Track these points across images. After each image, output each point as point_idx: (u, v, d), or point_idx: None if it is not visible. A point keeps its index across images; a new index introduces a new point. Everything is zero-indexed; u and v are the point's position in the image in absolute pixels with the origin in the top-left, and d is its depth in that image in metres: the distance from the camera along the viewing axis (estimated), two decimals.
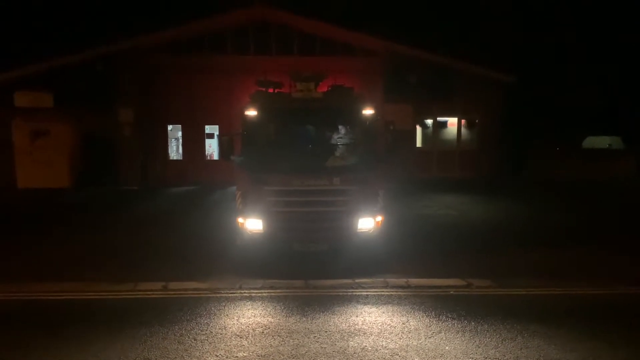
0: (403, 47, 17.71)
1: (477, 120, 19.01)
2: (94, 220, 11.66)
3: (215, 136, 18.56)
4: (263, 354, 4.90)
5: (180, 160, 18.53)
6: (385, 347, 5.07)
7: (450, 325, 5.67)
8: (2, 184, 15.72)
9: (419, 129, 19.19)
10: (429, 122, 19.18)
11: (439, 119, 19.12)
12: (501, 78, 18.40)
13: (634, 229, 11.04)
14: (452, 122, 19.22)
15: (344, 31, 17.66)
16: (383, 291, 6.88)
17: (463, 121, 19.11)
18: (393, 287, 7.04)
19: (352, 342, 5.18)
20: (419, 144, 19.26)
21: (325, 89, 8.58)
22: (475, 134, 19.11)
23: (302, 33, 17.70)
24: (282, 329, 5.53)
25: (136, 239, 9.76)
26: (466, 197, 15.21)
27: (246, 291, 6.84)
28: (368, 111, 8.08)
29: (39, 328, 5.53)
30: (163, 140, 18.20)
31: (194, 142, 18.19)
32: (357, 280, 7.20)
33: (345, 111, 8.22)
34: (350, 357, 4.84)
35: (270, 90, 8.65)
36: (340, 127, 8.36)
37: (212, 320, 5.80)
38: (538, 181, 18.75)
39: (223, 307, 6.23)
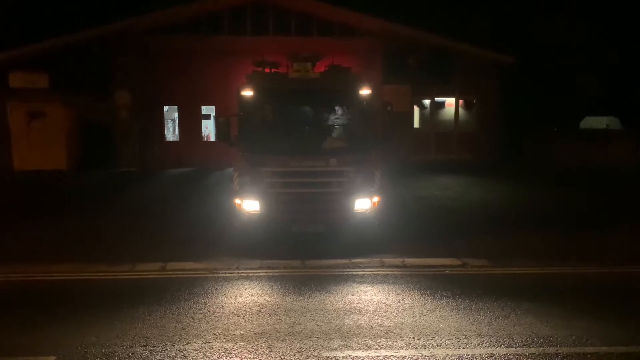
0: (401, 28, 17.55)
1: (475, 101, 18.93)
2: (91, 202, 11.68)
3: (212, 117, 18.48)
4: (260, 332, 4.97)
5: (177, 141, 18.48)
6: (381, 324, 5.15)
7: (445, 303, 5.74)
8: (0, 166, 15.70)
9: (416, 110, 19.12)
10: (427, 102, 19.10)
11: (436, 99, 19.03)
12: (499, 59, 18.28)
13: (629, 210, 11.11)
14: (449, 102, 19.13)
15: (341, 11, 17.47)
16: (379, 270, 6.95)
17: (461, 101, 19.03)
18: (389, 266, 7.11)
19: (347, 320, 5.25)
20: (416, 125, 19.20)
21: (322, 69, 8.53)
22: (474, 115, 19.05)
23: (299, 13, 17.51)
24: (279, 308, 5.60)
25: (134, 220, 9.79)
26: (463, 178, 15.24)
27: (243, 271, 6.91)
28: (365, 91, 8.04)
29: (38, 308, 5.59)
30: (159, 122, 18.13)
31: (190, 123, 18.12)
32: (353, 260, 7.27)
33: (343, 92, 8.17)
34: (346, 334, 4.92)
35: (267, 70, 8.58)
36: (337, 107, 8.34)
37: (210, 299, 5.86)
38: (536, 162, 18.76)
39: (221, 287, 6.29)
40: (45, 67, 16.19)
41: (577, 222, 9.92)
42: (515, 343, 4.75)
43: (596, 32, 25.18)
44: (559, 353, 4.56)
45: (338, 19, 17.58)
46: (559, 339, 4.83)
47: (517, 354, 4.53)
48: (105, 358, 4.45)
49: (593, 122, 23.52)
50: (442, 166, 17.27)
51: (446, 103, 19.22)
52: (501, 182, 14.72)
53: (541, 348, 4.66)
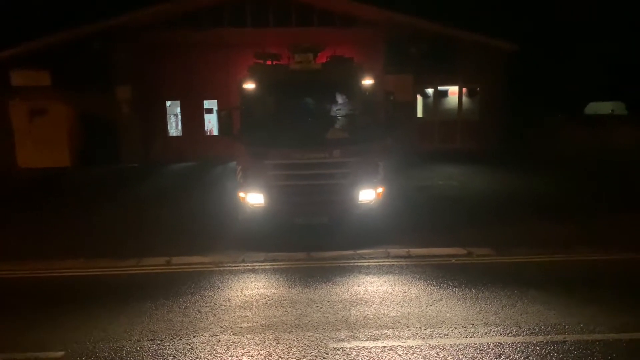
0: (403, 17, 17.38)
1: (478, 89, 18.81)
2: (95, 198, 11.70)
3: (214, 111, 18.46)
4: (267, 324, 4.98)
5: (179, 136, 18.47)
6: (387, 315, 5.15)
7: (451, 293, 5.73)
8: (3, 164, 15.74)
9: (419, 99, 19.01)
10: (430, 91, 18.99)
11: (439, 88, 18.91)
12: (502, 46, 18.09)
13: (635, 196, 11.04)
14: (453, 91, 19.00)
15: (342, 1, 17.33)
16: (384, 261, 6.94)
17: (464, 90, 18.89)
18: (394, 257, 7.10)
19: (354, 311, 5.25)
20: (419, 114, 19.09)
21: (324, 60, 8.48)
22: (477, 104, 18.92)
23: (299, 4, 17.37)
24: (285, 300, 5.60)
25: (138, 215, 9.81)
26: (467, 167, 15.19)
27: (249, 264, 6.91)
28: (368, 81, 7.99)
29: (45, 305, 5.62)
30: (162, 117, 18.11)
31: (193, 117, 18.10)
32: (358, 251, 7.26)
33: (345, 82, 8.13)
34: (352, 325, 4.92)
35: (269, 63, 8.54)
36: (339, 98, 8.29)
37: (216, 292, 5.88)
38: (540, 150, 18.65)
39: (226, 280, 6.30)
40: (47, 64, 16.16)
41: (582, 209, 9.86)
42: (523, 331, 4.74)
43: (601, 16, 24.91)
44: (567, 341, 4.55)
45: (339, 8, 17.43)
46: (566, 327, 4.82)
47: (524, 342, 4.52)
48: (114, 352, 4.47)
49: (598, 107, 23.32)
50: (446, 155, 17.19)
51: (449, 92, 19.09)
52: (505, 170, 14.66)
53: (549, 336, 4.65)
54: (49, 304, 5.61)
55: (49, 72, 16.11)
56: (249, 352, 4.44)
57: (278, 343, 4.58)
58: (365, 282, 6.13)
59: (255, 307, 5.43)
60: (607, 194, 11.32)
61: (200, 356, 4.38)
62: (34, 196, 12.14)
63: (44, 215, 10.03)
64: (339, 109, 8.28)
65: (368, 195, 7.82)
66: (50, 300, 5.75)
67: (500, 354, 4.35)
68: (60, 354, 4.47)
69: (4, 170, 15.39)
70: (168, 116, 18.48)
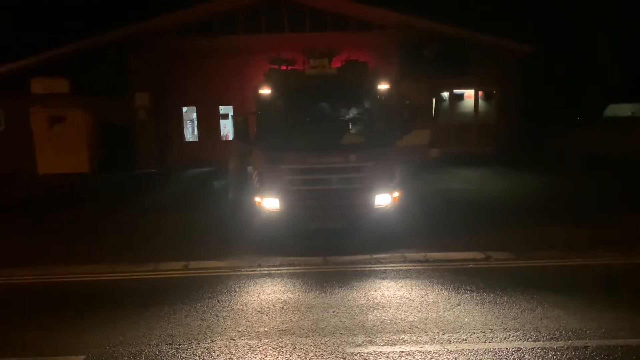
0: (418, 20, 17.36)
1: (494, 92, 18.65)
2: (114, 204, 11.86)
3: (230, 116, 18.60)
4: (284, 329, 4.98)
5: (196, 142, 18.66)
6: (404, 320, 5.11)
7: (469, 297, 5.68)
8: (23, 170, 16.05)
9: (435, 103, 18.92)
10: (445, 95, 18.89)
11: (455, 91, 18.80)
12: (519, 48, 17.95)
13: None
14: (468, 94, 18.89)
15: (356, 6, 17.38)
16: (401, 266, 6.90)
17: (480, 93, 18.77)
18: (411, 261, 7.06)
19: (371, 316, 5.23)
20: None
21: (339, 65, 8.49)
22: (493, 106, 18.78)
23: (313, 9, 17.47)
24: (302, 304, 5.60)
25: (156, 220, 9.91)
26: (484, 170, 15.05)
27: (265, 269, 6.93)
28: (383, 86, 7.99)
29: (65, 309, 5.69)
30: (178, 123, 18.33)
31: (209, 123, 18.27)
32: (375, 256, 7.22)
33: (360, 86, 8.14)
34: (370, 330, 4.90)
35: (284, 68, 8.59)
36: (355, 103, 8.30)
37: (233, 297, 5.90)
38: (558, 152, 18.41)
39: (243, 285, 6.33)
40: (65, 72, 16.49)
41: (602, 212, 9.70)
42: (543, 337, 4.67)
43: (619, 17, 24.54)
44: (588, 346, 4.47)
45: (353, 13, 17.49)
46: (587, 332, 4.73)
47: (544, 348, 4.45)
48: (133, 356, 4.51)
49: (617, 109, 22.92)
50: (463, 158, 17.07)
51: (465, 95, 18.98)
52: (523, 173, 14.49)
53: (569, 341, 4.57)
54: (69, 309, 5.68)
55: (68, 79, 16.43)
56: (266, 356, 4.45)
57: (295, 348, 4.58)
58: (382, 287, 6.10)
59: (272, 311, 5.44)
60: (627, 197, 11.12)
61: None
62: (53, 202, 12.34)
63: (63, 220, 10.19)
64: (355, 114, 8.29)
65: (384, 199, 7.79)
66: (70, 305, 5.82)
67: (520, 359, 4.29)
68: (80, 357, 4.52)
69: (25, 177, 15.69)
70: (184, 122, 18.69)
